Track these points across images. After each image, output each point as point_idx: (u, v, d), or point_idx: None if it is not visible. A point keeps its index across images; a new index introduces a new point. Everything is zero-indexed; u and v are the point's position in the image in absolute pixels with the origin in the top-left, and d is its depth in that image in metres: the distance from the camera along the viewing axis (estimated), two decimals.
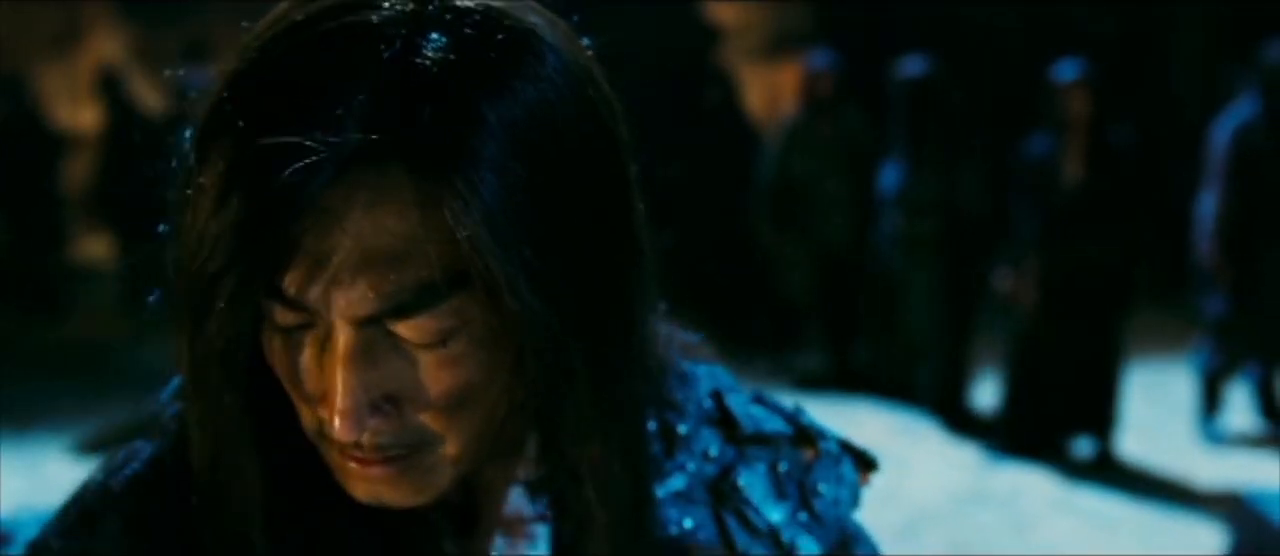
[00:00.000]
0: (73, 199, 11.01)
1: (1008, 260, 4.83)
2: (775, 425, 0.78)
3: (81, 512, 0.64)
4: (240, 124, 0.53)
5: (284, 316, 0.56)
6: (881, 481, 2.87)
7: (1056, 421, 4.79)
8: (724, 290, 5.92)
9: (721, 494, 0.74)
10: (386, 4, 0.54)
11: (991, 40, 8.98)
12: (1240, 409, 5.14)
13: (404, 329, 0.55)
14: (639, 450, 0.66)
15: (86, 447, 5.08)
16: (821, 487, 0.78)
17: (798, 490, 0.78)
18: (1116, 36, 9.32)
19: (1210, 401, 4.96)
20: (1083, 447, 4.79)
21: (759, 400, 0.80)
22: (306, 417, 0.58)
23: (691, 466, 0.74)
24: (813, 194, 5.66)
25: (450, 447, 0.58)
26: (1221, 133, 4.71)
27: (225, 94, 0.55)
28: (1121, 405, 4.72)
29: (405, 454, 0.58)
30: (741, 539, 0.73)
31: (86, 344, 7.18)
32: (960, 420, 5.21)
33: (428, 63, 0.53)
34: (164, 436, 0.65)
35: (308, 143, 0.51)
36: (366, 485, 0.58)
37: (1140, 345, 6.15)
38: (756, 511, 0.74)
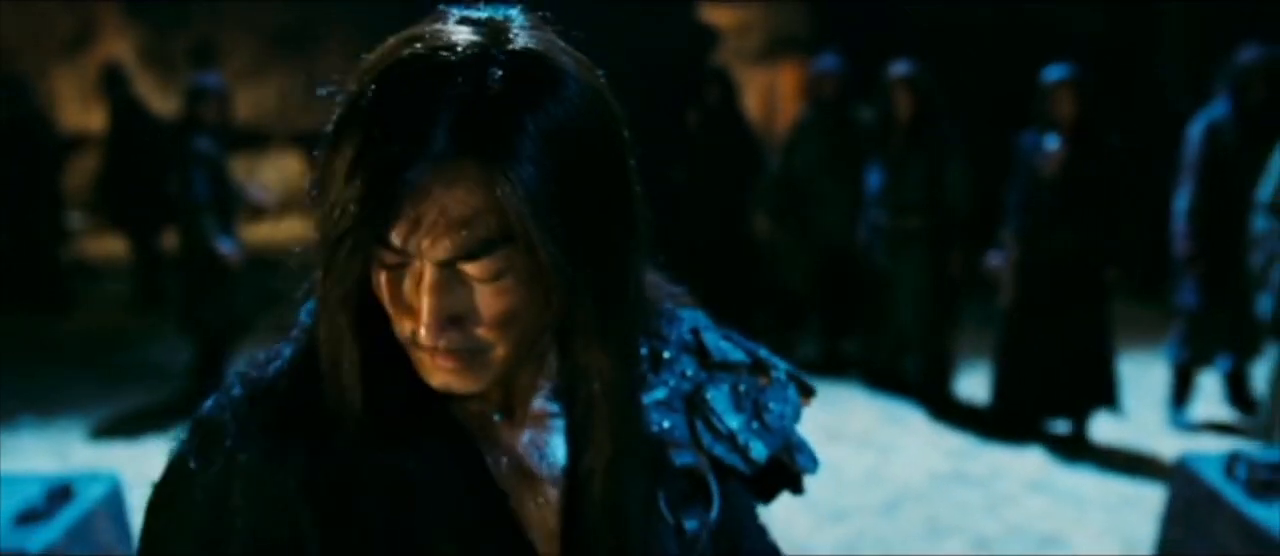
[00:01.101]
0: (80, 196, 11.22)
1: (997, 247, 5.04)
2: (738, 356, 1.03)
3: (246, 393, 0.86)
4: (363, 127, 0.77)
5: (389, 258, 0.80)
6: (868, 463, 3.26)
7: (1038, 404, 5.01)
8: (726, 281, 6.12)
9: (693, 404, 0.98)
10: (461, 46, 0.78)
11: (983, 41, 9.17)
12: (1212, 398, 5.35)
13: (470, 268, 0.80)
14: (632, 361, 0.91)
15: (107, 432, 5.29)
16: (772, 405, 1.03)
17: (753, 406, 1.02)
18: (1105, 35, 9.55)
19: (1181, 391, 5.15)
20: (1062, 429, 5.02)
21: (728, 337, 1.05)
22: (403, 329, 0.82)
23: (671, 383, 0.98)
24: (813, 190, 5.89)
25: (499, 352, 0.82)
26: (1195, 131, 4.91)
27: (352, 103, 0.78)
28: (1118, 388, 4.91)
29: (468, 355, 0.82)
30: (707, 438, 0.98)
31: (97, 337, 7.37)
32: (944, 407, 5.43)
33: (489, 90, 0.77)
34: (297, 342, 0.89)
35: (409, 145, 0.76)
36: (440, 375, 0.82)
37: (1124, 336, 6.39)
38: (720, 419, 0.99)
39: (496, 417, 0.90)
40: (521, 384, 0.90)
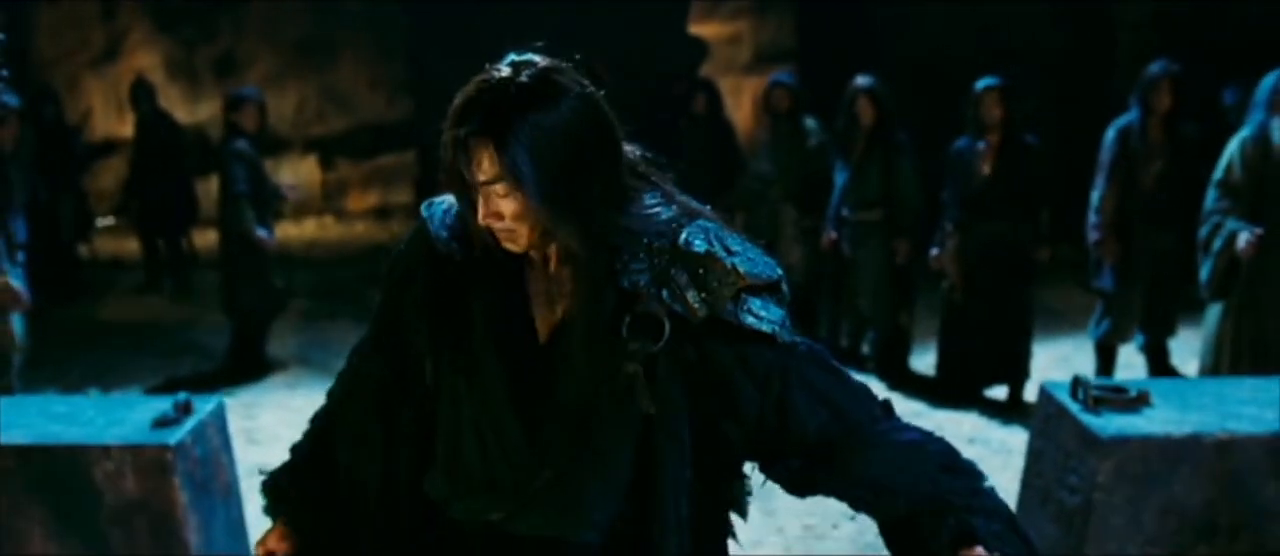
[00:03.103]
0: (109, 199, 11.96)
1: (936, 241, 5.79)
2: (701, 247, 1.57)
3: (447, 209, 1.65)
4: (450, 119, 1.52)
5: (462, 178, 1.54)
6: None
7: (977, 373, 5.75)
8: None
9: (664, 277, 1.55)
10: (497, 76, 1.52)
11: (949, 54, 9.89)
12: (1136, 369, 6.08)
13: (498, 188, 1.51)
14: (598, 247, 1.54)
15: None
16: (714, 284, 1.57)
17: (703, 281, 1.60)
18: (1065, 50, 10.31)
19: (1104, 363, 5.87)
20: (1000, 395, 5.75)
21: (716, 237, 1.57)
22: (479, 214, 1.54)
23: (653, 262, 1.55)
24: (770, 193, 6.64)
25: (521, 233, 1.54)
26: (1108, 134, 5.63)
27: (452, 107, 1.53)
28: (1029, 358, 5.66)
29: (506, 232, 1.54)
30: (666, 294, 1.54)
31: (138, 325, 8.10)
32: (900, 379, 6.16)
33: (507, 99, 1.49)
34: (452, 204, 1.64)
35: (463, 129, 1.50)
36: (501, 240, 1.55)
37: (1060, 317, 7.13)
38: (679, 286, 1.55)
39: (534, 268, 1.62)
40: (536, 258, 1.61)
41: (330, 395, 1.86)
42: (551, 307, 1.61)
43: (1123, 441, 2.93)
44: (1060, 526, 3.10)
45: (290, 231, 11.29)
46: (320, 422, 1.87)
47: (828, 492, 1.63)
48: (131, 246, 10.02)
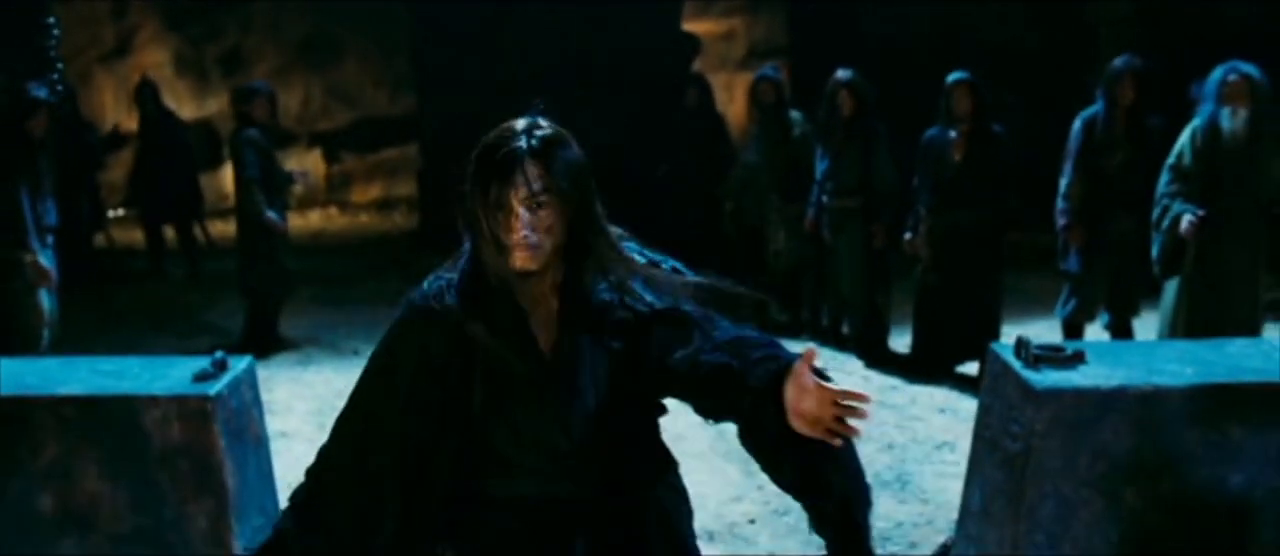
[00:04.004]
0: (118, 190, 12.32)
1: (910, 226, 6.15)
2: (668, 278, 2.05)
3: (440, 278, 2.00)
4: (490, 153, 1.91)
5: (494, 199, 1.90)
6: None
7: (949, 350, 6.11)
8: (702, 256, 7.23)
9: (624, 289, 2.02)
10: (517, 128, 1.93)
11: (932, 51, 10.25)
12: None
13: (543, 198, 1.89)
14: (610, 242, 1.99)
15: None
16: (659, 288, 2.06)
17: (652, 288, 2.06)
18: (1045, 46, 10.69)
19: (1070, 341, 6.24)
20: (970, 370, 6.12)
21: (653, 261, 2.08)
22: (508, 238, 1.91)
23: (610, 279, 2.01)
24: (758, 181, 7.00)
25: (545, 246, 1.92)
26: (1075, 125, 5.99)
27: (481, 148, 1.93)
28: (999, 336, 6.02)
29: (533, 247, 1.90)
30: (629, 299, 2.01)
31: (157, 308, 8.46)
32: (878, 356, 6.52)
33: (542, 136, 1.91)
34: (467, 251, 2.00)
35: (510, 152, 1.89)
36: (522, 258, 1.91)
37: (1031, 299, 7.49)
38: (637, 295, 2.02)
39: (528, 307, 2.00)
40: (545, 279, 1.99)
41: (322, 470, 2.13)
42: (550, 325, 2.00)
43: (1057, 393, 3.29)
44: (1004, 471, 3.46)
45: (296, 223, 11.59)
46: (306, 495, 2.13)
47: (707, 374, 1.91)
48: (140, 236, 10.41)
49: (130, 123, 11.48)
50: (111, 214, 12.11)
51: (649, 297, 1.99)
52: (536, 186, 1.87)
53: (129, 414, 3.24)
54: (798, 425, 1.69)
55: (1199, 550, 3.36)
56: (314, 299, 8.36)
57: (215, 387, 3.30)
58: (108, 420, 3.25)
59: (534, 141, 1.90)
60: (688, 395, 1.91)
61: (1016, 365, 3.47)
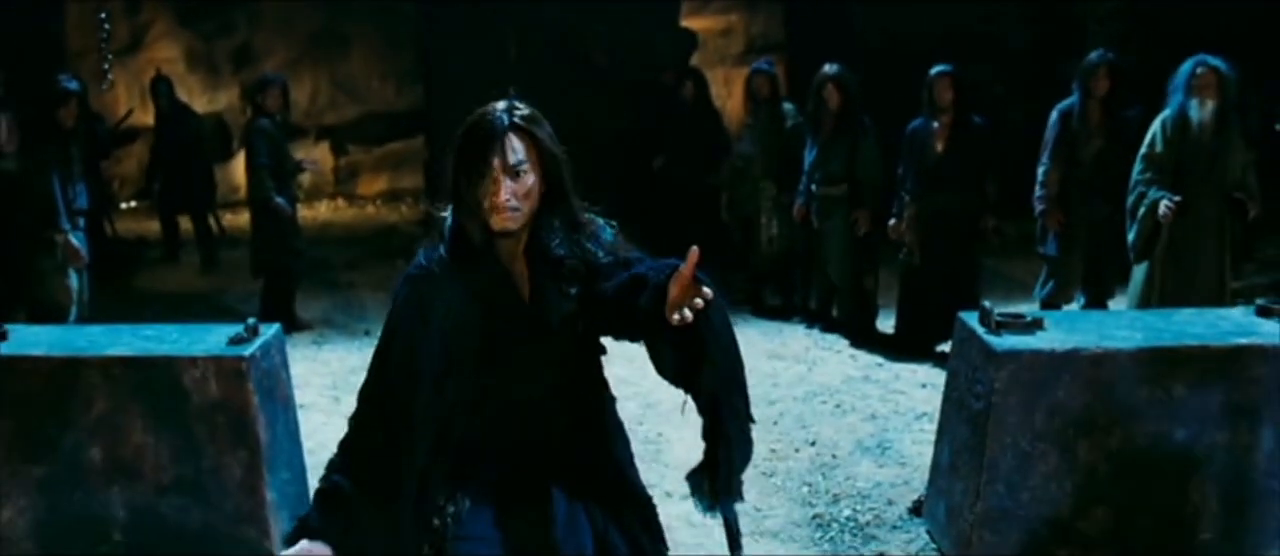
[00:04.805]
0: (132, 183, 12.64)
1: (894, 212, 6.47)
2: (609, 237, 2.37)
3: (431, 250, 2.32)
4: (477, 127, 2.23)
5: (477, 168, 2.21)
6: (798, 372, 5.32)
7: (931, 329, 6.42)
8: (697, 243, 7.54)
9: (579, 246, 2.32)
10: (499, 107, 2.24)
11: (925, 46, 10.54)
12: None
13: (525, 166, 2.21)
14: (574, 214, 2.31)
15: None
16: (603, 241, 2.38)
17: (597, 244, 2.38)
18: (1032, 43, 11.00)
19: None
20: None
21: (612, 231, 2.39)
22: (489, 202, 2.21)
23: (564, 243, 2.32)
24: (752, 171, 7.32)
25: (523, 211, 2.23)
26: (1052, 116, 6.30)
27: (467, 125, 2.25)
28: None
29: (513, 209, 2.21)
30: (584, 255, 2.31)
31: (174, 292, 8.78)
32: (865, 337, 6.83)
33: (524, 114, 2.24)
34: (449, 222, 2.31)
35: (494, 127, 2.22)
36: (501, 220, 2.21)
37: (1012, 282, 7.80)
38: (590, 252, 2.33)
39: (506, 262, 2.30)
40: (520, 240, 2.29)
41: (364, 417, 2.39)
42: (522, 279, 2.31)
43: (1016, 354, 3.61)
44: (968, 426, 3.79)
45: (305, 214, 11.94)
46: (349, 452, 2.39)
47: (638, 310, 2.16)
48: (153, 226, 10.74)
49: (143, 116, 11.77)
50: (123, 205, 12.44)
51: (599, 252, 2.28)
52: (517, 157, 2.19)
53: (171, 373, 3.57)
54: (667, 312, 1.98)
55: (1146, 498, 3.69)
56: (326, 284, 8.68)
57: (249, 349, 3.63)
58: (152, 379, 3.58)
59: (515, 118, 2.20)
60: (620, 319, 2.19)
61: (980, 331, 3.80)
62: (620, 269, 2.21)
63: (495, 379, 2.28)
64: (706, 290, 1.95)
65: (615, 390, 2.49)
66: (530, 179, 2.21)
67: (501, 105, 2.23)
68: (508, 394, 2.29)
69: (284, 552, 2.19)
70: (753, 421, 2.12)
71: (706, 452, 2.14)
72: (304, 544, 2.25)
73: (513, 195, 2.19)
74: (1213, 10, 9.98)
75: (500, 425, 2.31)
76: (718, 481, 2.12)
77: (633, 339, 2.19)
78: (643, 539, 2.34)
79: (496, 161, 2.18)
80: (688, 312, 1.93)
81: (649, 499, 2.42)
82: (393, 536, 2.28)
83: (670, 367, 2.10)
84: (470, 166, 2.19)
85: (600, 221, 2.36)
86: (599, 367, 2.41)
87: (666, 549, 2.42)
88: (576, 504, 2.29)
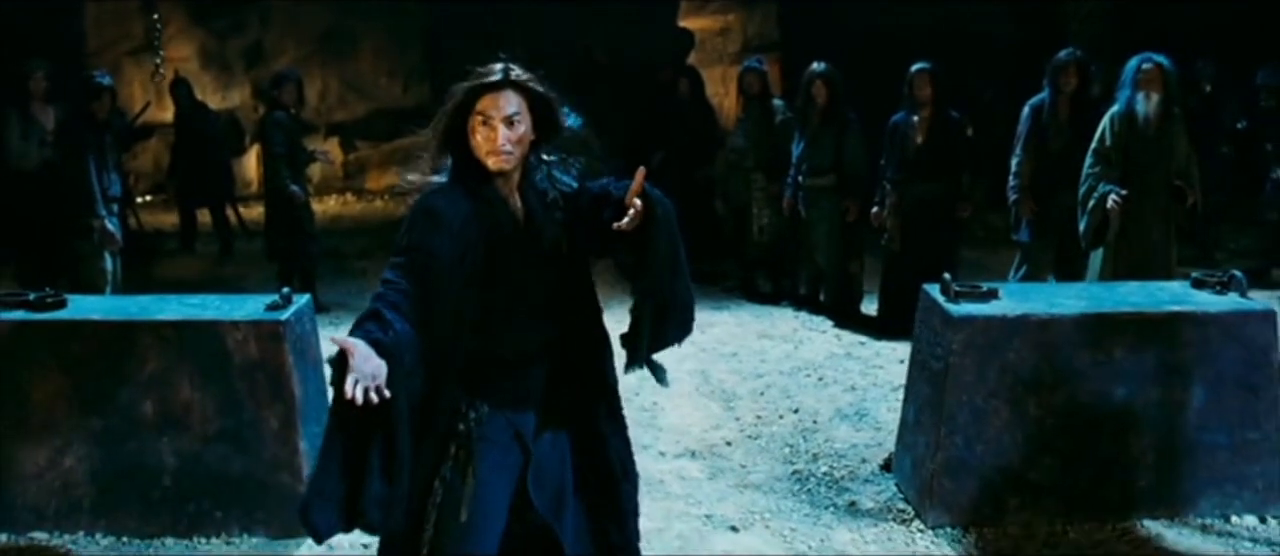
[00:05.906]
0: (150, 176, 13.06)
1: (877, 200, 6.89)
2: (579, 168, 2.84)
3: (434, 188, 2.74)
4: (477, 80, 2.66)
5: (479, 117, 2.66)
6: (785, 350, 5.94)
7: (911, 310, 6.83)
8: (693, 235, 7.96)
9: (553, 179, 2.79)
10: (497, 68, 2.68)
11: (917, 44, 10.94)
12: None
13: (518, 116, 2.65)
14: (555, 155, 2.77)
15: None
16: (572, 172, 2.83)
17: (583, 179, 2.83)
18: (1019, 42, 11.41)
19: None
20: None
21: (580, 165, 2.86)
22: (486, 146, 2.65)
23: (546, 178, 2.78)
24: (744, 163, 7.74)
25: (516, 154, 2.67)
26: (1024, 111, 6.71)
27: (471, 78, 2.68)
28: None
29: (507, 153, 2.65)
30: (562, 187, 2.78)
31: (194, 280, 9.19)
32: (850, 319, 7.25)
33: (513, 74, 2.67)
34: (448, 166, 2.74)
35: (500, 76, 2.67)
36: (496, 161, 2.65)
37: (988, 269, 8.21)
38: (563, 181, 2.78)
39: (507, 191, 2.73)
40: (512, 177, 2.70)
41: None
42: (516, 209, 2.72)
43: (970, 320, 4.03)
44: (930, 385, 4.21)
45: (314, 207, 12.36)
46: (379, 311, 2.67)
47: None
48: (168, 219, 11.18)
49: (159, 112, 12.18)
50: (139, 199, 12.85)
51: (574, 182, 2.76)
52: (512, 109, 2.61)
53: (215, 335, 3.99)
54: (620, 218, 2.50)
55: (1089, 449, 4.10)
56: (340, 271, 9.11)
57: (285, 314, 4.05)
58: (198, 340, 4.00)
59: (513, 74, 2.63)
60: (594, 234, 2.65)
61: (940, 299, 4.22)
62: (592, 193, 2.70)
63: (498, 295, 2.67)
64: (635, 204, 2.47)
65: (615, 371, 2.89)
66: (522, 127, 2.63)
67: (500, 65, 2.64)
68: (509, 308, 2.69)
69: (335, 336, 2.39)
70: (692, 305, 2.71)
71: (632, 321, 2.67)
72: (348, 337, 2.42)
73: (508, 140, 2.60)
74: (1189, 10, 10.40)
75: (503, 337, 2.70)
76: (639, 342, 2.67)
77: (605, 252, 2.70)
78: (614, 440, 2.82)
79: (495, 112, 2.60)
80: (628, 219, 2.46)
81: (619, 402, 2.85)
82: (417, 364, 2.54)
83: (629, 268, 2.63)
84: (472, 112, 2.61)
85: (571, 159, 2.80)
86: (589, 284, 2.81)
87: (625, 426, 2.86)
88: (564, 411, 2.76)
